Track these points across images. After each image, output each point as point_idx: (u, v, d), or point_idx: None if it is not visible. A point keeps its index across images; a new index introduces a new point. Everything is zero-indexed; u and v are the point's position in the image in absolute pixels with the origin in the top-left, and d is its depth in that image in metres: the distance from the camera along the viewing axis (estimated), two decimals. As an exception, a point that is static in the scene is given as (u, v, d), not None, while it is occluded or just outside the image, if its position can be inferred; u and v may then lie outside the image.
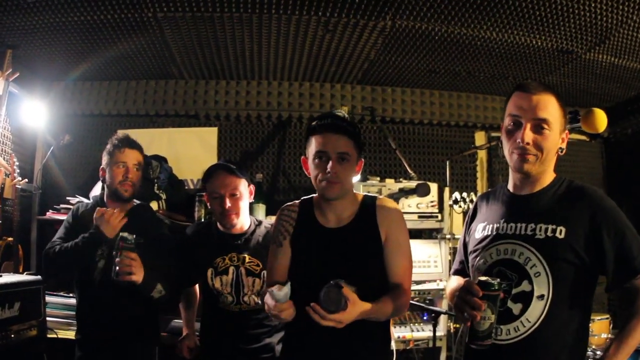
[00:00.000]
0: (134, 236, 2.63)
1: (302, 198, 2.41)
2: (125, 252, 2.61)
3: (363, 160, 2.31)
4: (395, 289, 2.17)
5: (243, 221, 2.90)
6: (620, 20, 3.39)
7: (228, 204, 2.76)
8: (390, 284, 2.19)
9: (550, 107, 1.91)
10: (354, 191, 2.34)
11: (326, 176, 2.14)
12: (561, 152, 2.01)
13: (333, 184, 2.15)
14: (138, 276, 2.64)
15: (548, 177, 2.02)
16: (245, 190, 2.85)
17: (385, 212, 2.26)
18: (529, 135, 1.90)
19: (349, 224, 2.26)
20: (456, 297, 1.89)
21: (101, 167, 3.05)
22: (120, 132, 3.05)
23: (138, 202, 3.17)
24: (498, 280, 1.80)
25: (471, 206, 2.36)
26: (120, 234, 2.63)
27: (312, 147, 2.19)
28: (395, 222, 2.25)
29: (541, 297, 1.86)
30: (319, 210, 2.31)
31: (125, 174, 2.95)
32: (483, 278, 1.81)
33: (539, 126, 1.90)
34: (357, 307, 1.94)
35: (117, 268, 2.60)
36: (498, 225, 2.05)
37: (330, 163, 2.13)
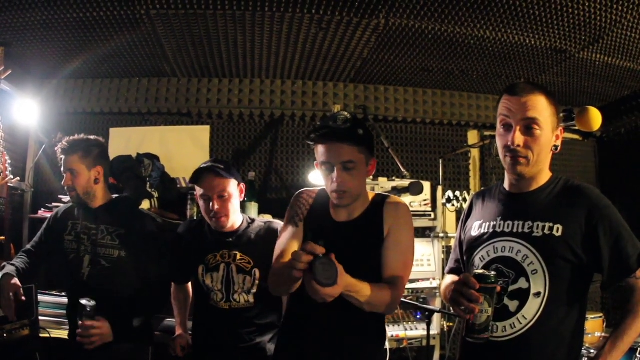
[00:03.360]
0: (93, 303, 2.60)
1: (321, 187, 2.38)
2: (84, 321, 2.62)
3: (376, 160, 2.27)
4: (386, 282, 2.12)
5: (234, 220, 2.89)
6: (614, 19, 3.41)
7: (216, 206, 2.76)
8: (383, 278, 2.14)
9: (539, 106, 1.92)
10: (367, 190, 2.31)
11: (333, 186, 2.12)
12: (555, 149, 2.01)
13: (342, 195, 2.13)
14: (101, 340, 2.66)
15: (544, 176, 2.03)
16: (234, 189, 2.84)
17: (391, 210, 2.23)
18: (519, 137, 1.91)
19: (357, 219, 2.25)
20: (453, 291, 1.88)
21: None
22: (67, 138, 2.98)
23: (117, 195, 3.13)
24: (494, 273, 1.81)
25: (465, 205, 2.35)
26: (80, 300, 2.62)
27: (318, 155, 2.16)
28: (399, 220, 2.21)
29: (538, 294, 1.87)
30: (332, 207, 2.29)
31: (66, 182, 2.93)
32: (480, 271, 1.82)
33: (529, 127, 1.91)
34: (344, 279, 1.81)
35: (80, 331, 2.62)
36: (495, 223, 2.05)
37: (335, 173, 2.10)
